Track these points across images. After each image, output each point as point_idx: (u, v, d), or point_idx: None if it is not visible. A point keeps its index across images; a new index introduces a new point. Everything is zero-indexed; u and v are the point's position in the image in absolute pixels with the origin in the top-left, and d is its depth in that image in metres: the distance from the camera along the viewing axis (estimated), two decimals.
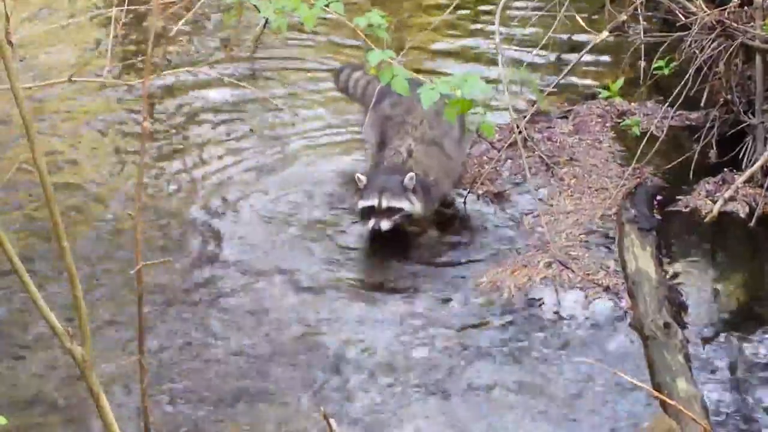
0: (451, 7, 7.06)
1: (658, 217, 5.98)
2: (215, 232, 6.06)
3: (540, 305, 5.44)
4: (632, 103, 7.02)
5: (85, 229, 6.06)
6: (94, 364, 3.23)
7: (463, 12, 8.24)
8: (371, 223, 5.81)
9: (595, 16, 7.65)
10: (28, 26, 8.37)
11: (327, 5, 4.00)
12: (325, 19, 4.18)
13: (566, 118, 6.91)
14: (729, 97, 6.43)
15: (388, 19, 4.10)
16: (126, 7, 5.07)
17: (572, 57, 7.20)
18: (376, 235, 5.87)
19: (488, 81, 6.83)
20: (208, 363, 5.12)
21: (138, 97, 7.24)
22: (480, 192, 6.27)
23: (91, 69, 7.55)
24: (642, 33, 6.62)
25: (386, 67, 3.75)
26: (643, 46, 6.63)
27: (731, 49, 6.29)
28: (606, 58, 7.72)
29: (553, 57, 7.72)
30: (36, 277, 5.15)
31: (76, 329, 3.17)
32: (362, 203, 5.87)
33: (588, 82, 7.45)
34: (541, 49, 7.27)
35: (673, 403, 4.35)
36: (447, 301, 5.52)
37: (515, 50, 7.74)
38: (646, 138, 6.24)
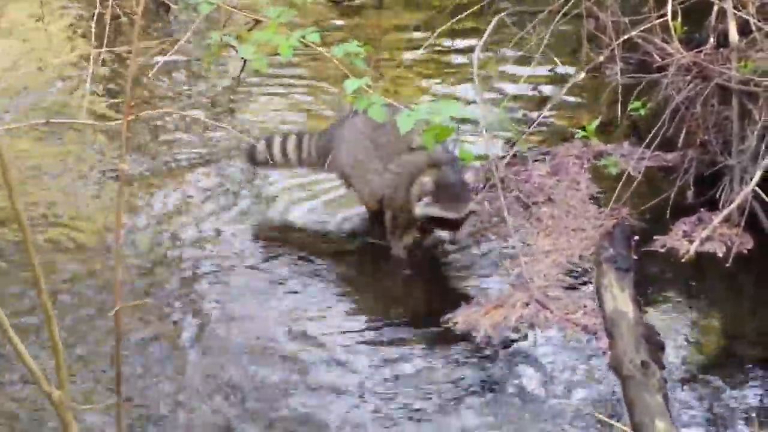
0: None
1: (636, 257, 6.00)
2: (195, 273, 6.07)
3: (516, 345, 5.44)
4: (609, 144, 7.05)
5: (62, 266, 6.04)
6: (72, 407, 3.21)
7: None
8: (452, 235, 5.78)
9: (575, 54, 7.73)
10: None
11: (303, 36, 4.02)
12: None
13: (544, 159, 6.93)
14: (706, 137, 6.47)
15: (367, 48, 4.11)
16: (105, 49, 5.09)
17: (550, 93, 7.25)
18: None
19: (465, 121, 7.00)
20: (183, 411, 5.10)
21: (113, 136, 7.27)
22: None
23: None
24: (619, 74, 6.66)
25: (362, 95, 3.76)
26: (619, 86, 6.67)
27: (707, 91, 6.35)
28: (583, 97, 7.77)
29: (531, 92, 7.80)
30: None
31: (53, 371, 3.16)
32: (450, 214, 5.72)
33: (564, 121, 7.49)
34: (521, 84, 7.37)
35: None
36: (420, 341, 5.50)
37: (493, 88, 7.82)
38: (623, 179, 6.27)
